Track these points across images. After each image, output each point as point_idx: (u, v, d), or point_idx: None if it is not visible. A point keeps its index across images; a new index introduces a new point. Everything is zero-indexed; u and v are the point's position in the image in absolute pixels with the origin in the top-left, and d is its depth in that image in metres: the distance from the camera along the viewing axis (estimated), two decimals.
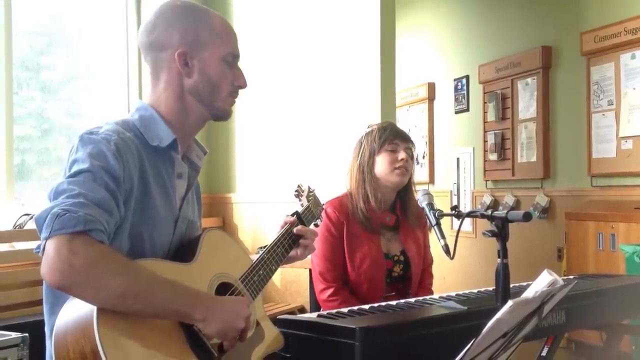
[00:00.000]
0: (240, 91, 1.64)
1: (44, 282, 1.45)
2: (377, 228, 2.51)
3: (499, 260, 1.80)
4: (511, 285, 1.86)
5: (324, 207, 2.18)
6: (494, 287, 1.87)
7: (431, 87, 6.75)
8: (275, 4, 4.63)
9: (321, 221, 2.14)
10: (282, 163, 4.52)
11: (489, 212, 1.87)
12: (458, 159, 6.36)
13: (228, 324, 1.44)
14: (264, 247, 1.78)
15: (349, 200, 2.53)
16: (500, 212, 1.85)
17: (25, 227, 3.54)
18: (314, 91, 4.35)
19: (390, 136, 2.53)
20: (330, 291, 2.45)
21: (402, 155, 2.51)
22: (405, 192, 2.59)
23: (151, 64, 1.59)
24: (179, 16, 1.56)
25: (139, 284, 1.32)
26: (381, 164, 2.51)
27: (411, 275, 2.54)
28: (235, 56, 1.61)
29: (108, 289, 1.28)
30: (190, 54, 1.54)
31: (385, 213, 2.55)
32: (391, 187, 2.55)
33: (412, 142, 2.61)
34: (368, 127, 2.62)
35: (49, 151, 4.35)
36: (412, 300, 2.19)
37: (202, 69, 1.55)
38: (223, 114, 1.62)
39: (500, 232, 1.82)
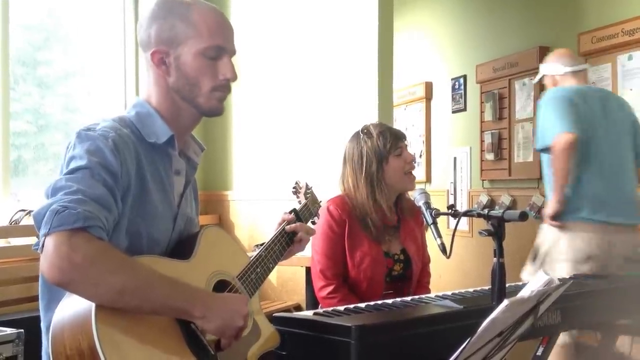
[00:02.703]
0: (238, 88, 1.63)
1: (40, 278, 1.45)
2: (382, 234, 2.50)
3: (495, 259, 1.81)
4: (507, 285, 1.86)
5: (321, 204, 2.18)
6: (490, 287, 1.87)
7: (428, 87, 6.75)
8: (273, 1, 4.62)
9: (319, 218, 2.14)
10: (279, 161, 4.52)
11: (486, 211, 1.87)
12: (455, 158, 6.36)
13: (226, 322, 1.44)
14: (261, 245, 1.78)
15: (351, 199, 2.52)
16: (497, 212, 1.85)
17: (21, 223, 3.53)
18: (311, 89, 4.35)
19: (393, 140, 2.50)
20: (330, 288, 2.45)
21: (410, 156, 2.52)
22: None
23: (144, 62, 1.59)
24: (158, 14, 1.54)
25: (138, 281, 1.32)
26: (392, 171, 2.48)
27: (412, 274, 2.54)
28: (220, 48, 1.54)
29: (107, 286, 1.28)
30: (165, 52, 1.52)
31: (392, 212, 2.55)
32: (399, 191, 2.55)
33: (405, 136, 2.62)
34: (363, 133, 2.54)
35: (45, 147, 4.34)
36: (409, 298, 2.20)
37: (178, 66, 1.52)
38: (209, 110, 1.57)
39: (497, 231, 1.82)
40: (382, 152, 2.48)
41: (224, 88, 1.57)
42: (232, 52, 1.59)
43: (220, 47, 1.54)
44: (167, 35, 1.52)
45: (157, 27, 1.52)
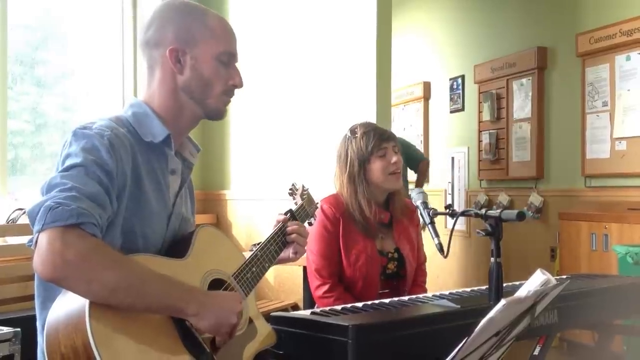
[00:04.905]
0: (236, 88, 1.64)
1: (35, 277, 1.45)
2: (373, 231, 2.51)
3: (492, 259, 1.81)
4: (504, 285, 1.86)
5: (318, 205, 2.18)
6: (487, 286, 1.87)
7: (427, 86, 6.75)
8: (271, 2, 4.62)
9: (315, 220, 2.14)
10: (277, 160, 4.52)
11: (483, 211, 1.87)
12: (453, 158, 6.37)
13: (220, 319, 1.44)
14: (257, 244, 1.78)
15: (343, 198, 2.53)
16: (494, 212, 1.85)
17: (18, 222, 3.52)
18: (309, 89, 4.35)
19: (377, 141, 2.50)
20: (325, 287, 2.46)
21: (394, 158, 2.50)
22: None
23: (147, 61, 1.60)
24: (175, 14, 1.57)
25: (132, 278, 1.32)
26: (375, 172, 2.49)
27: (406, 272, 2.55)
28: (232, 55, 1.61)
29: (100, 283, 1.28)
30: (182, 50, 1.55)
31: (379, 211, 2.55)
32: (386, 191, 2.55)
33: (395, 137, 2.60)
34: (349, 132, 2.57)
35: (43, 146, 4.34)
36: (406, 298, 2.20)
37: (194, 66, 1.56)
38: (216, 113, 1.62)
39: (494, 231, 1.83)
40: (364, 153, 2.49)
41: (231, 93, 1.63)
42: (237, 59, 1.65)
43: (232, 53, 1.61)
44: (185, 35, 1.55)
45: (174, 27, 1.56)
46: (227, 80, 1.59)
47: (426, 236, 2.33)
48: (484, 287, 2.26)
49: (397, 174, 2.51)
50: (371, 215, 2.49)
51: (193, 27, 1.56)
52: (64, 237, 1.26)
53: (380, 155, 2.50)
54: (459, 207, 6.15)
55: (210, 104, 1.59)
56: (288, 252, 1.86)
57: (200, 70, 1.56)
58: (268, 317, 1.80)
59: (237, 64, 1.63)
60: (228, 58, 1.59)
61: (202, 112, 1.61)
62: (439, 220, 2.08)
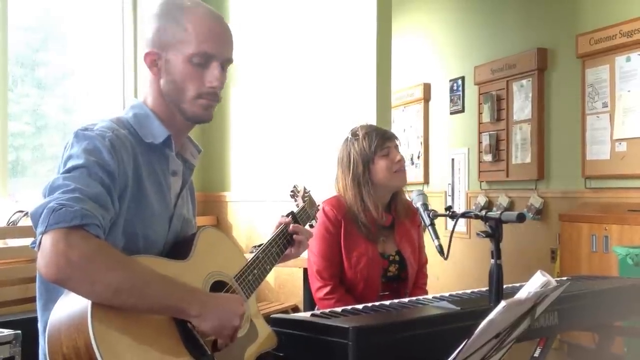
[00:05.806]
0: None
1: (37, 279, 1.45)
2: (376, 235, 2.51)
3: (492, 261, 1.81)
4: (504, 286, 1.86)
5: (319, 207, 2.19)
6: (488, 288, 1.87)
7: (427, 88, 6.75)
8: (271, 3, 4.62)
9: (316, 222, 2.15)
10: (277, 162, 4.51)
11: (483, 212, 1.87)
12: (453, 159, 6.36)
13: (223, 322, 1.44)
14: (259, 247, 1.78)
15: (345, 201, 2.54)
16: (494, 213, 1.85)
17: (18, 224, 3.52)
18: (309, 91, 4.35)
19: (379, 140, 2.52)
20: (327, 289, 2.46)
21: (398, 156, 2.52)
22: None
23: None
24: (158, 14, 1.54)
25: (134, 279, 1.32)
26: (379, 171, 2.50)
27: (407, 275, 2.55)
28: (208, 55, 1.51)
29: (104, 284, 1.28)
30: (158, 54, 1.52)
31: (381, 213, 2.56)
32: (391, 190, 2.55)
33: (396, 137, 2.62)
34: (350, 134, 2.58)
35: (44, 148, 4.34)
36: (406, 300, 2.20)
37: (168, 69, 1.52)
38: (193, 117, 1.56)
39: (494, 232, 1.82)
40: (367, 153, 2.51)
41: (210, 96, 1.54)
42: (224, 60, 1.55)
43: (207, 54, 1.52)
44: (161, 37, 1.52)
45: (155, 29, 1.53)
46: (202, 83, 1.52)
47: (426, 238, 2.33)
48: (484, 289, 2.26)
49: (402, 171, 2.53)
50: (378, 217, 2.49)
51: (168, 28, 1.51)
52: (67, 238, 1.26)
53: (384, 155, 2.51)
54: (459, 208, 6.15)
55: (186, 108, 1.54)
56: (290, 249, 1.87)
57: (173, 73, 1.52)
58: (268, 319, 1.80)
59: (225, 64, 1.55)
60: (204, 59, 1.51)
61: (182, 117, 1.56)
62: (439, 222, 2.08)
